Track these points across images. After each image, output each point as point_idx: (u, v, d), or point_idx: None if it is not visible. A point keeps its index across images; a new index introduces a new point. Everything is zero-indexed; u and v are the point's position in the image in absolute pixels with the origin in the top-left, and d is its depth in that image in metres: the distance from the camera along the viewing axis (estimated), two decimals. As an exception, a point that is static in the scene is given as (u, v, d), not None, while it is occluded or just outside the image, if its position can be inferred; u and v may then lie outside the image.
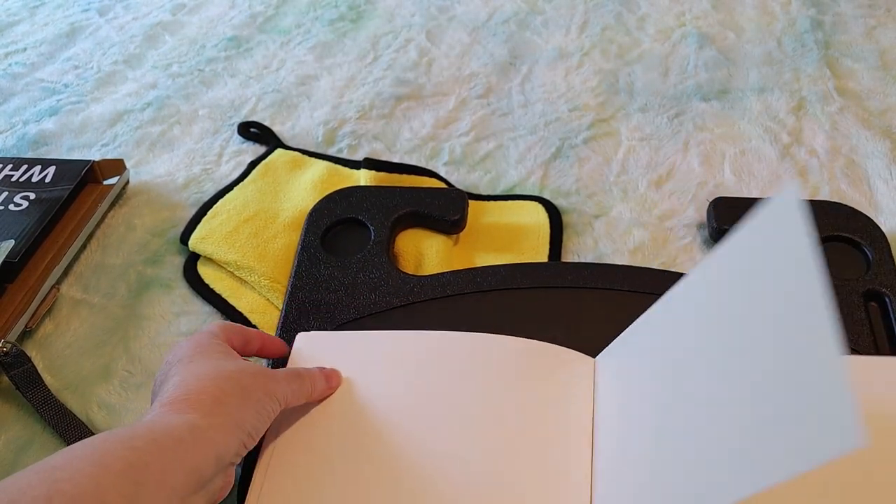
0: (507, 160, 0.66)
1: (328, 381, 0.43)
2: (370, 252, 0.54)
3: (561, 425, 0.41)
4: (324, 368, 0.44)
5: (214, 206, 0.60)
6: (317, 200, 0.58)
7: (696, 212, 0.60)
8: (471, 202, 0.59)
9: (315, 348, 0.47)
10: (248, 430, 0.36)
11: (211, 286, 0.55)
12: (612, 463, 0.39)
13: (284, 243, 0.56)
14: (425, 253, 0.55)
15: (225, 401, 0.36)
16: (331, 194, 0.58)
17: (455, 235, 0.57)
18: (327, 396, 0.43)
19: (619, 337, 0.44)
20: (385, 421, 0.42)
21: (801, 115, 0.69)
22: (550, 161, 0.66)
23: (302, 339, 0.48)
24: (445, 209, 0.56)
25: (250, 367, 0.39)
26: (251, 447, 0.37)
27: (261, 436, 0.38)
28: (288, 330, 0.50)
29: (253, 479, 0.41)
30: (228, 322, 0.47)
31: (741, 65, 0.76)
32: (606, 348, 0.44)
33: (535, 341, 0.45)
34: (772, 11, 0.83)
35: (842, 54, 0.76)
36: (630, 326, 0.43)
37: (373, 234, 0.55)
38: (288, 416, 0.43)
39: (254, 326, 0.52)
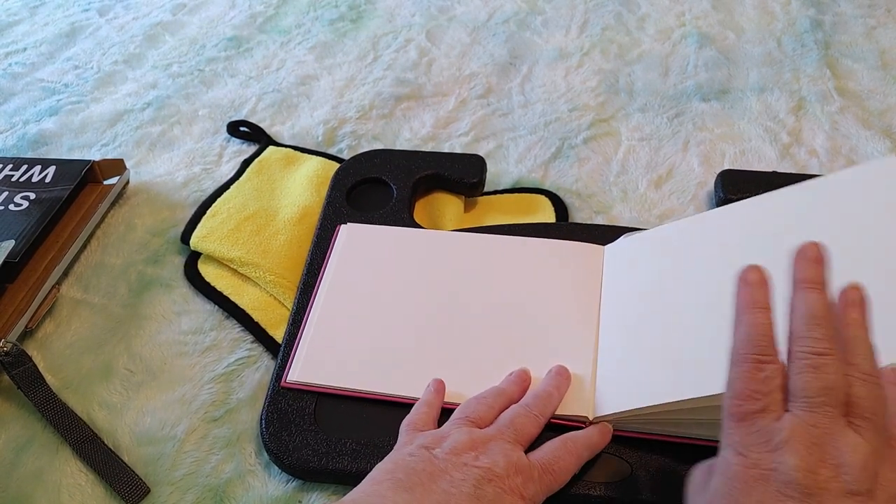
0: (507, 160, 0.66)
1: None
2: (392, 209, 0.57)
3: (574, 298, 0.49)
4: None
5: (213, 206, 0.60)
6: (314, 196, 0.60)
7: (696, 211, 0.60)
8: (477, 198, 0.61)
9: (356, 239, 0.54)
10: None
11: (212, 284, 0.55)
12: (616, 329, 0.46)
13: (286, 239, 0.56)
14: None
15: (433, 483, 0.35)
16: (356, 156, 0.62)
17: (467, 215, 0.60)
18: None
19: (636, 235, 0.52)
20: (422, 297, 0.50)
21: (801, 115, 0.69)
22: (550, 161, 0.66)
23: (346, 230, 0.55)
24: (465, 172, 0.59)
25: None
26: None
27: None
28: (313, 274, 0.53)
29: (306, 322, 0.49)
30: None
31: (741, 65, 0.76)
32: (616, 243, 0.52)
33: (554, 240, 0.53)
34: (772, 11, 0.83)
35: (842, 54, 0.76)
36: (650, 231, 0.51)
37: (395, 192, 0.58)
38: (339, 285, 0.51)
39: (256, 323, 0.52)
